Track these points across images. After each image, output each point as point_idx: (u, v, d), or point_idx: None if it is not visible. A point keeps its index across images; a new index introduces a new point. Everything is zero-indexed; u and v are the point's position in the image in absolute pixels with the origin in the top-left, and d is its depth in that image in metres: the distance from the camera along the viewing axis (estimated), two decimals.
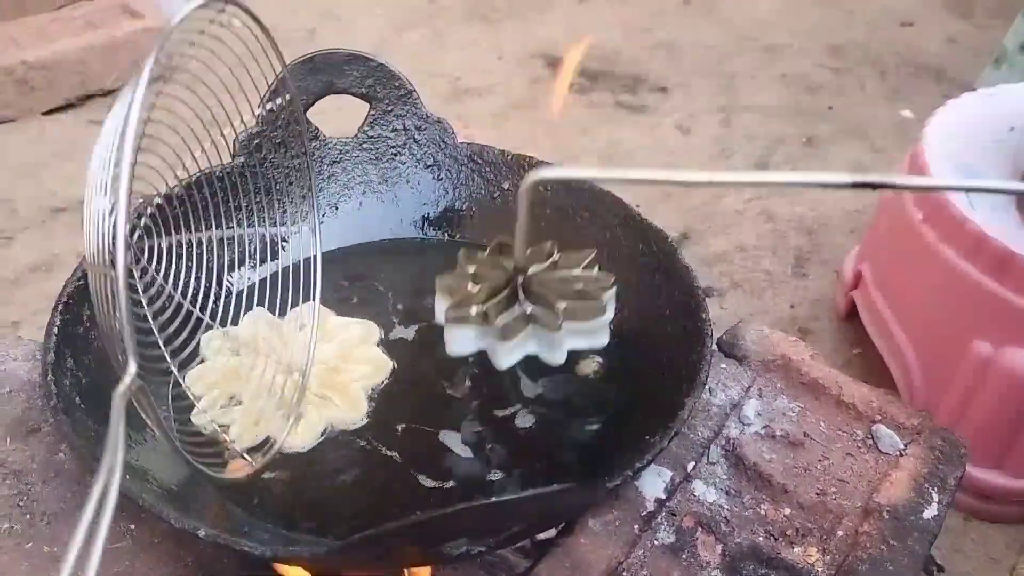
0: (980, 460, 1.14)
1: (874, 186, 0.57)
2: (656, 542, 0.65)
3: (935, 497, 0.69)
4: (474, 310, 0.61)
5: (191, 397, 0.71)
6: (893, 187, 0.57)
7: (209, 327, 0.72)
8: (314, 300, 0.78)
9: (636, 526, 0.66)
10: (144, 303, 0.62)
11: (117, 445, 0.43)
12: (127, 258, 0.47)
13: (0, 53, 1.97)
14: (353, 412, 0.72)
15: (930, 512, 0.67)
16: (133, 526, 0.64)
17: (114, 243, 0.48)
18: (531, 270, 0.65)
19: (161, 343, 0.63)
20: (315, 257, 0.80)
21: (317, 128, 0.87)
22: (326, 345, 0.77)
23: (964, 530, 1.18)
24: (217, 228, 0.74)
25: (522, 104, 2.07)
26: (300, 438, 0.70)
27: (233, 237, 0.77)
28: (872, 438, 0.73)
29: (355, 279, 0.86)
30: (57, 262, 1.53)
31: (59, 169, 1.77)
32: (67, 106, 1.99)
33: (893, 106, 2.05)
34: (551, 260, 0.66)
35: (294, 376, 0.72)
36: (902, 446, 0.73)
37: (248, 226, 0.78)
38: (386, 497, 0.67)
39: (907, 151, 1.29)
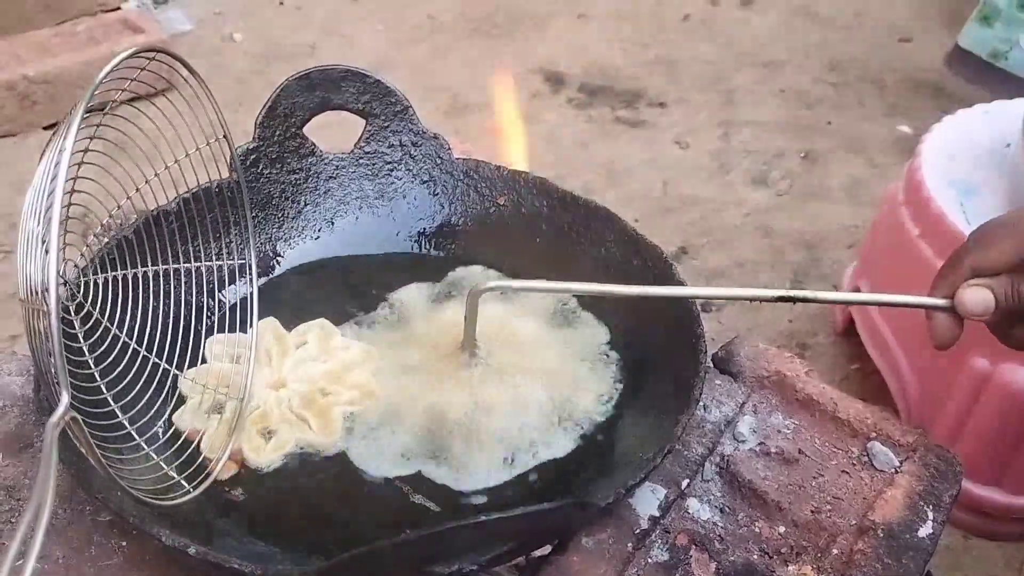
0: (978, 477, 1.14)
1: (794, 300, 0.65)
2: (650, 560, 0.65)
3: (930, 515, 0.68)
4: None
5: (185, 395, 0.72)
6: (815, 301, 0.66)
7: (157, 365, 0.71)
8: (252, 334, 0.77)
9: (629, 544, 0.65)
10: (81, 337, 0.63)
11: (48, 477, 0.43)
12: (60, 293, 0.50)
13: (2, 68, 1.98)
14: (326, 436, 0.71)
15: (925, 530, 0.67)
16: (124, 543, 0.64)
17: (47, 278, 0.49)
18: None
19: (98, 376, 0.63)
20: (251, 294, 0.79)
21: (314, 144, 0.87)
22: (322, 365, 0.77)
23: (963, 548, 1.18)
24: (155, 264, 0.75)
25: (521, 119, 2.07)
26: (265, 456, 0.69)
27: (180, 272, 0.77)
28: (867, 455, 0.73)
29: (355, 293, 0.85)
30: None
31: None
32: None
33: (891, 121, 2.06)
34: None
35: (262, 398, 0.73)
36: (897, 463, 0.72)
37: (196, 260, 0.78)
38: (372, 517, 0.67)
39: (905, 166, 1.30)
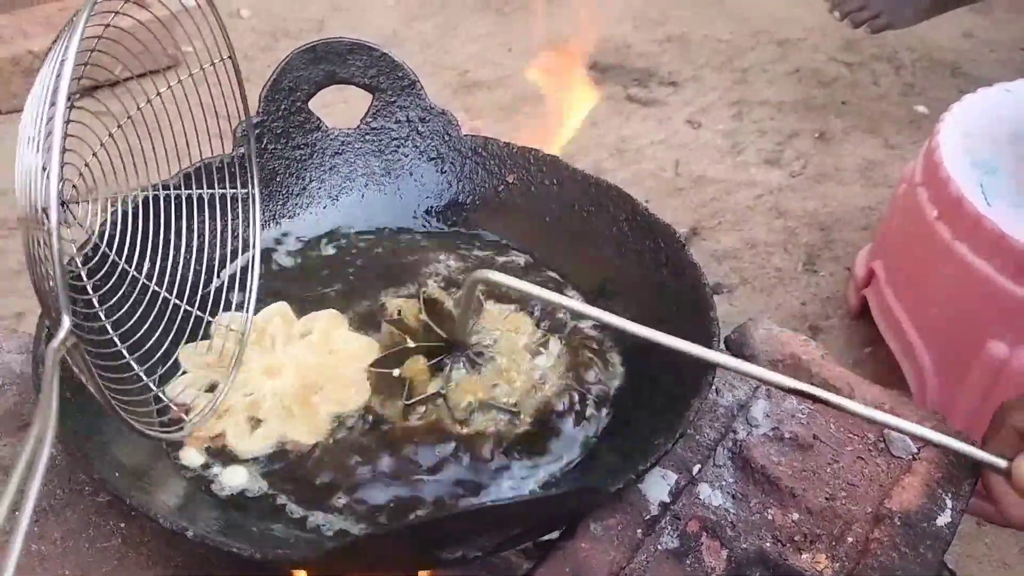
0: None
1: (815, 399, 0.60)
2: (660, 547, 0.63)
3: (949, 503, 0.66)
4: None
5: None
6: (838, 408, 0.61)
7: (157, 294, 0.70)
8: (247, 314, 0.76)
9: (639, 530, 0.64)
10: (80, 263, 0.62)
11: (50, 404, 0.42)
12: (60, 213, 0.47)
13: (7, 43, 1.97)
14: (310, 436, 0.68)
15: (944, 519, 0.65)
16: (123, 524, 0.63)
17: (47, 197, 0.47)
18: None
19: (96, 303, 0.62)
20: (252, 273, 0.78)
21: (319, 119, 0.85)
22: (322, 358, 0.74)
23: (977, 535, 1.16)
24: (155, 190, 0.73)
25: (531, 97, 2.05)
26: (249, 444, 0.68)
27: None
28: (884, 441, 0.71)
29: (361, 273, 0.83)
30: None
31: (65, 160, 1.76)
32: None
33: (907, 101, 2.03)
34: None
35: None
36: (915, 450, 0.71)
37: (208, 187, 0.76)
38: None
39: (921, 147, 1.27)
